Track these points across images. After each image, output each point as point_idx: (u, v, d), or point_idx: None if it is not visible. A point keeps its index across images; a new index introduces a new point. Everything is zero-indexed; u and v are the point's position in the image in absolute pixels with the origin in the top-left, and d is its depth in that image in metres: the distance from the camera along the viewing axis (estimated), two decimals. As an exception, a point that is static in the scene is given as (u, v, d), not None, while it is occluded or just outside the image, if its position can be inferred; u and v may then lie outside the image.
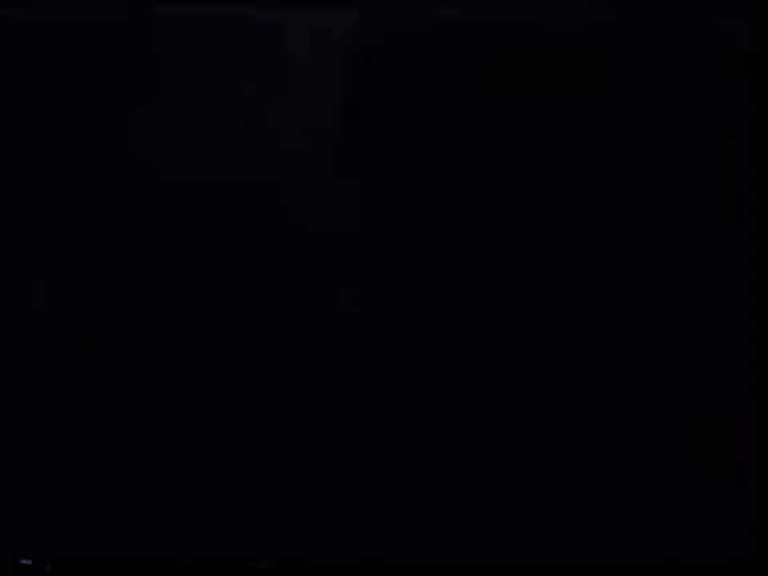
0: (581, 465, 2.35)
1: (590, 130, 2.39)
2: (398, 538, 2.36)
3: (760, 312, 2.34)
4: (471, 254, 2.37)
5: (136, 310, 2.37)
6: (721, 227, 2.36)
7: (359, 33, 2.36)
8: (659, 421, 2.36)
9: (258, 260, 2.37)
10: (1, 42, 2.35)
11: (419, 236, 2.37)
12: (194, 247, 2.37)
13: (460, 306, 2.36)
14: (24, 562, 2.34)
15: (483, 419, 2.35)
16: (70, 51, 2.38)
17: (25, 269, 2.38)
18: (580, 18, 2.37)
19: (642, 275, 2.36)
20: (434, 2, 2.37)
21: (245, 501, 2.36)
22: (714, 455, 2.34)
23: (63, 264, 2.38)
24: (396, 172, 2.37)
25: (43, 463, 2.37)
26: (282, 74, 2.38)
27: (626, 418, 2.35)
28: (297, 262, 2.37)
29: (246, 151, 2.37)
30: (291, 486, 2.36)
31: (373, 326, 2.36)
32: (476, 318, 2.36)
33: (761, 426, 2.33)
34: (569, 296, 2.36)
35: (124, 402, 2.37)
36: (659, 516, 2.35)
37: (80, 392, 2.37)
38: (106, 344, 2.37)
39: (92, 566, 2.36)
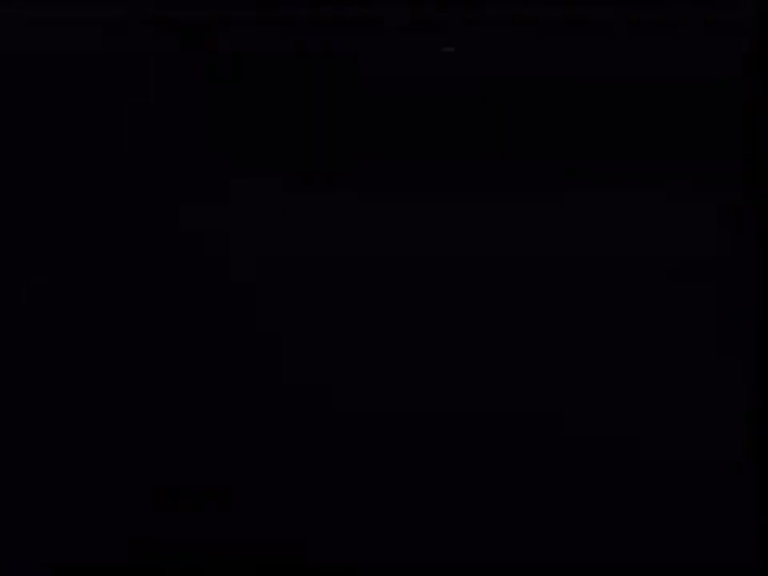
0: (580, 464, 2.35)
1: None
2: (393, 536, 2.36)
3: (761, 311, 2.34)
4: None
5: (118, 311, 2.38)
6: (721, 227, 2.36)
7: None
8: (659, 422, 2.35)
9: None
10: None
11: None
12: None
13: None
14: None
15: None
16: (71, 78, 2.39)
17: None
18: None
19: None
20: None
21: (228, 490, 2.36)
22: (714, 456, 2.34)
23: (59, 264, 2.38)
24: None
25: (37, 463, 2.38)
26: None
27: (624, 417, 2.35)
28: None
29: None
30: (288, 482, 2.37)
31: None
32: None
33: (761, 428, 2.33)
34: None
35: (120, 401, 2.37)
36: (659, 517, 2.35)
37: (77, 392, 2.37)
38: (103, 342, 2.37)
39: (90, 566, 2.36)
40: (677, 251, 2.36)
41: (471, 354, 2.36)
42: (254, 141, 2.38)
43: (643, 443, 2.35)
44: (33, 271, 2.38)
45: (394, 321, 2.37)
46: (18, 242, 2.38)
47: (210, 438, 2.36)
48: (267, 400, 2.36)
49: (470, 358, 2.36)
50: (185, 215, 2.38)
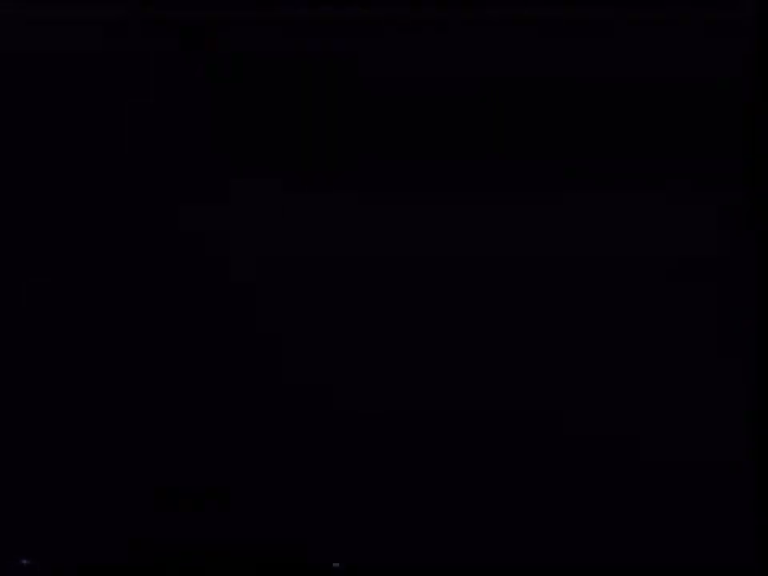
0: (580, 464, 2.35)
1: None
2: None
3: (761, 311, 2.34)
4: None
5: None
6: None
7: None
8: (659, 422, 2.35)
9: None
10: None
11: None
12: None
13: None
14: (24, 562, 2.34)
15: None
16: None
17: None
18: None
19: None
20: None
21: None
22: (714, 456, 2.34)
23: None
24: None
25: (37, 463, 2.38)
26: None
27: (624, 417, 2.36)
28: None
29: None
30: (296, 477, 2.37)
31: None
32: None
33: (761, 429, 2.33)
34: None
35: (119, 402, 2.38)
36: (659, 517, 2.35)
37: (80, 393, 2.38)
38: (103, 341, 2.38)
39: (92, 566, 2.37)
40: (677, 251, 2.36)
41: (471, 354, 2.36)
42: (254, 141, 2.38)
43: (643, 443, 2.35)
44: (32, 271, 2.38)
45: (394, 320, 2.37)
46: (18, 242, 2.38)
47: (210, 438, 2.36)
48: (267, 400, 2.36)
49: (470, 358, 2.36)
50: (185, 215, 2.38)
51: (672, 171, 2.37)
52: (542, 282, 2.36)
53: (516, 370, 2.35)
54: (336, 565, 2.34)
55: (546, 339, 2.36)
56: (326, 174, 2.37)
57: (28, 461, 2.37)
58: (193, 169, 2.38)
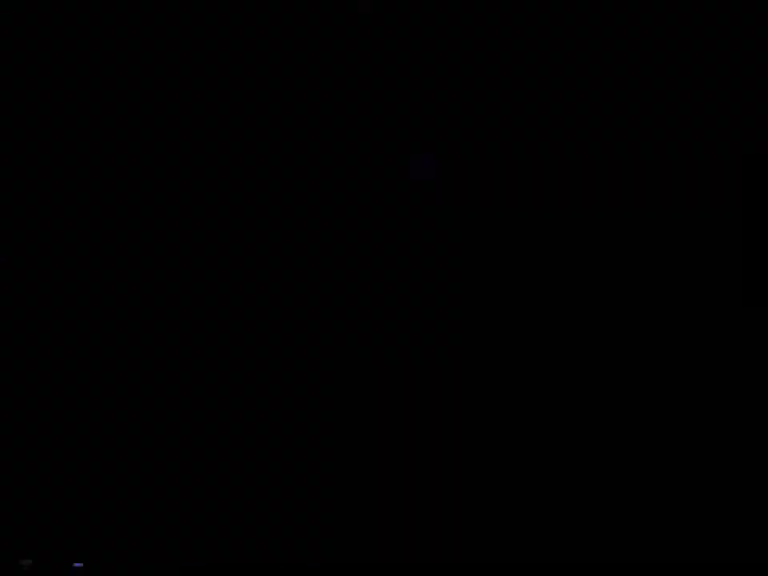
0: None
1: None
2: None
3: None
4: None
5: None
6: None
7: None
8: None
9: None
10: None
11: None
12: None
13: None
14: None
15: None
16: None
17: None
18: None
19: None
20: None
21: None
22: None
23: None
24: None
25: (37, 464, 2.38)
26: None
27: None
28: None
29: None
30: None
31: None
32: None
33: None
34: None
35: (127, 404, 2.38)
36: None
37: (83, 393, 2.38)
38: (102, 342, 2.38)
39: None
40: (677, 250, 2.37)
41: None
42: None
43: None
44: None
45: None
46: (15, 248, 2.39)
47: (211, 439, 2.37)
48: (267, 400, 2.36)
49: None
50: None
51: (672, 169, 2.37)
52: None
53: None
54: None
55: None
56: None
57: (27, 461, 2.38)
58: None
